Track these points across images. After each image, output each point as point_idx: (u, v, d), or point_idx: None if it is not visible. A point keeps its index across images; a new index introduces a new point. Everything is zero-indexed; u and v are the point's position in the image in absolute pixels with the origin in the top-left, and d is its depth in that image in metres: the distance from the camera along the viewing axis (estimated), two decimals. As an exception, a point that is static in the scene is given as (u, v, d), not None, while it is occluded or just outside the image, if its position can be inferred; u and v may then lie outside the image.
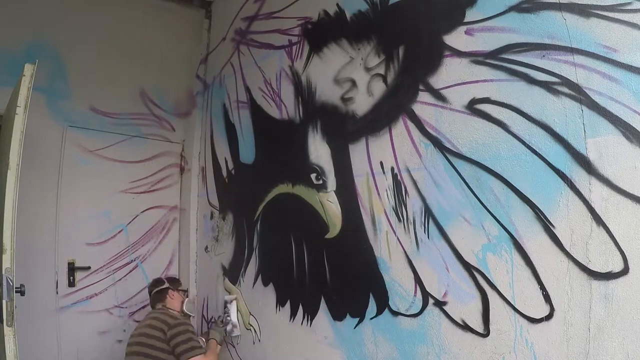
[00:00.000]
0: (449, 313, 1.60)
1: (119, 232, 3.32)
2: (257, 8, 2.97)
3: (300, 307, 2.35)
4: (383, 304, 1.87)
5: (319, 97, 2.31)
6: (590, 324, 1.21)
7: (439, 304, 1.64)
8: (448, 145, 1.64)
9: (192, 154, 3.56)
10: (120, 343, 3.09)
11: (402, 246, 1.80)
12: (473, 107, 1.56)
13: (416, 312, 1.72)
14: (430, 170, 1.70)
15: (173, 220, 3.61)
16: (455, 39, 1.63)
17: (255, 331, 2.69)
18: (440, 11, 1.71)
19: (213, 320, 3.11)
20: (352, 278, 2.05)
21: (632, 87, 1.17)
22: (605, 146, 1.22)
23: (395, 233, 1.83)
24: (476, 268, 1.52)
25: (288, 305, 2.44)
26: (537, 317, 1.34)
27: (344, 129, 2.11)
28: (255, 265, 2.74)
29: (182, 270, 3.52)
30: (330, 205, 2.18)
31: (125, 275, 3.31)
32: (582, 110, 1.27)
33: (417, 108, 1.76)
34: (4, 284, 1.96)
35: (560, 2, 1.33)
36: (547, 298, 1.32)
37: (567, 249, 1.28)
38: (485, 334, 1.48)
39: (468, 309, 1.54)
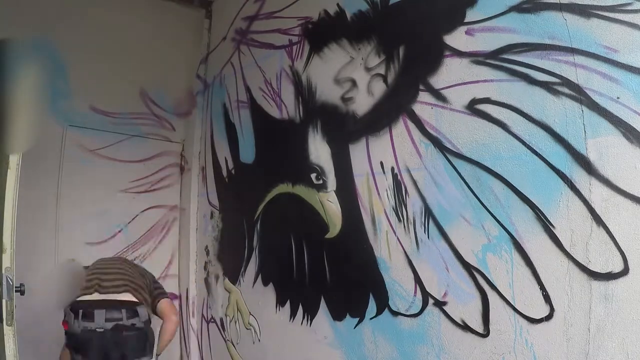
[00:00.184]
0: (449, 313, 1.60)
1: (119, 231, 3.31)
2: (258, 8, 2.97)
3: (300, 306, 2.35)
4: (383, 303, 1.87)
5: (319, 97, 2.31)
6: (590, 324, 1.21)
7: (439, 304, 1.64)
8: (448, 145, 1.64)
9: (192, 153, 3.55)
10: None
11: (402, 246, 1.80)
12: (473, 107, 1.56)
13: (416, 312, 1.72)
14: (431, 170, 1.70)
15: (173, 220, 3.60)
16: (456, 39, 1.63)
17: (255, 331, 2.69)
18: (441, 11, 1.71)
19: None
20: (352, 278, 2.05)
21: (633, 88, 1.17)
22: (605, 146, 1.22)
23: (395, 233, 1.83)
24: (476, 268, 1.52)
25: (288, 305, 2.44)
26: (537, 317, 1.34)
27: (344, 129, 2.11)
28: (255, 265, 2.74)
29: (182, 270, 3.52)
30: (330, 205, 2.18)
31: (125, 275, 3.30)
32: (582, 111, 1.27)
33: (418, 108, 1.76)
34: (4, 283, 1.96)
35: (561, 2, 1.33)
36: (547, 298, 1.32)
37: (567, 249, 1.28)
38: (485, 334, 1.48)
39: (468, 309, 1.54)
